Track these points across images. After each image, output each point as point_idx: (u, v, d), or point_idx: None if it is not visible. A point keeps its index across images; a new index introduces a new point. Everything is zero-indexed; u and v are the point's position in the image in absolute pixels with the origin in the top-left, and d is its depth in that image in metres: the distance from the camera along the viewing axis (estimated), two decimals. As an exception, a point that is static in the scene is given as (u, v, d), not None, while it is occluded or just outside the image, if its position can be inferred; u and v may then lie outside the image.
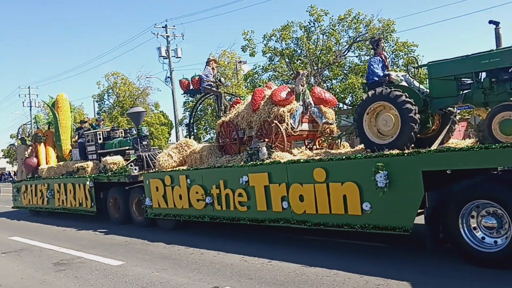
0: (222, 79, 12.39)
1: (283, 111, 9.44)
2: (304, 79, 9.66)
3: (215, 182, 9.90)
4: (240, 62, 36.77)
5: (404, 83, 8.03)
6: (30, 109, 59.92)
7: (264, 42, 29.25)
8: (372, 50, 8.45)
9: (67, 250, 10.25)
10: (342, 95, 27.93)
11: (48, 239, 11.90)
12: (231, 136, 10.64)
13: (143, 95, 44.57)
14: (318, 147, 10.08)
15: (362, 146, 9.03)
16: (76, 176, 14.93)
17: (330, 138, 9.93)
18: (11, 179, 63.62)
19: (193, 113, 13.11)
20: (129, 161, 13.59)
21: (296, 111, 9.52)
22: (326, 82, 29.33)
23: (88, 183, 13.93)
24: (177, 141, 17.40)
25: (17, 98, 63.20)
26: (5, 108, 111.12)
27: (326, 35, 28.39)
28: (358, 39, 28.24)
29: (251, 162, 9.18)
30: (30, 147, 18.43)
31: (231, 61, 36.07)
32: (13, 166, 69.01)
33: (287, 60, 28.91)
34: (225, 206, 9.71)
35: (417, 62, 7.91)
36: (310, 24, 28.64)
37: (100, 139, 15.34)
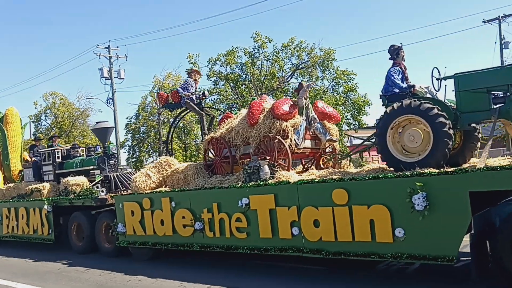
0: (206, 92, 11.18)
1: (286, 125, 8.41)
2: (308, 91, 8.69)
3: (206, 205, 8.66)
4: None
5: (428, 96, 7.27)
6: None
7: (209, 66, 29.41)
8: (391, 60, 7.62)
9: None
10: None
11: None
12: (222, 154, 9.45)
13: (83, 116, 42.48)
14: (322, 166, 9.08)
15: (371, 166, 8.19)
16: (30, 199, 13.07)
17: (339, 156, 8.98)
18: None
19: (172, 130, 11.77)
20: (94, 182, 12.00)
21: (300, 126, 8.53)
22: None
23: (45, 207, 12.15)
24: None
25: None
26: None
27: (270, 61, 28.88)
28: (300, 66, 28.86)
29: (252, 183, 8.04)
30: (-27, 167, 16.19)
31: (175, 83, 35.19)
32: None
33: (231, 84, 29.23)
34: (219, 232, 8.47)
35: (439, 73, 7.15)
36: (254, 50, 29.06)
37: (58, 157, 13.60)
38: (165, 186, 10.10)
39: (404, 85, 7.39)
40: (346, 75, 27.96)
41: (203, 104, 11.06)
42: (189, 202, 8.99)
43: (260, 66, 29.14)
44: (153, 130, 36.34)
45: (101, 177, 12.08)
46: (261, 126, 8.64)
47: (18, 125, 16.14)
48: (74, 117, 41.19)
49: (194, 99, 10.91)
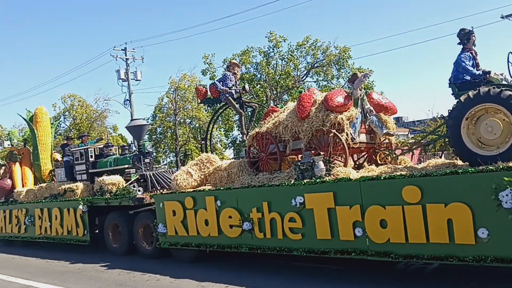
0: (247, 86, 10.56)
1: (342, 118, 7.76)
2: (365, 81, 8.01)
3: (255, 204, 8.06)
4: (200, 85, 35.53)
5: (504, 83, 6.55)
6: None
7: (224, 66, 28.87)
8: (461, 45, 6.92)
9: (15, 279, 9.65)
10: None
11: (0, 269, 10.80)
12: (268, 150, 8.84)
13: (101, 118, 42.67)
14: (379, 162, 8.40)
15: (437, 160, 7.49)
16: (64, 199, 12.63)
17: (399, 150, 8.29)
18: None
19: (210, 126, 11.20)
20: (130, 182, 11.49)
21: (356, 119, 7.87)
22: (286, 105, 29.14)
23: (80, 207, 11.68)
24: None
25: None
26: None
27: (285, 61, 28.80)
28: (315, 65, 28.64)
29: (307, 180, 7.41)
30: (3, 167, 15.85)
31: (191, 84, 35.51)
32: None
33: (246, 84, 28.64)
34: (270, 233, 7.87)
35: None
36: (269, 50, 28.91)
37: (91, 156, 13.13)
38: (207, 184, 9.55)
39: (478, 72, 6.69)
40: (362, 72, 27.61)
41: (242, 98, 10.46)
42: (236, 201, 8.40)
43: (275, 65, 29.05)
44: (170, 131, 36.14)
45: (137, 176, 11.58)
46: (313, 119, 8.00)
47: (47, 125, 15.76)
48: (92, 118, 41.51)
49: (234, 93, 10.33)
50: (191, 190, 9.32)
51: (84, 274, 9.72)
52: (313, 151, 7.86)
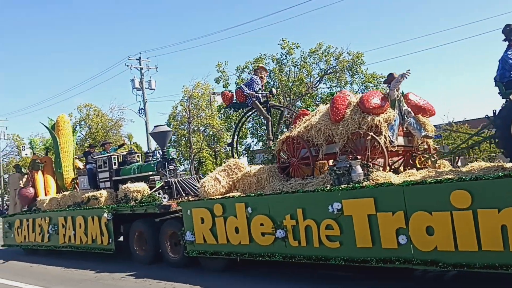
0: (274, 90, 10.25)
1: (379, 120, 7.41)
2: (402, 81, 7.64)
3: (289, 211, 7.72)
4: (214, 93, 36.02)
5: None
6: None
7: (237, 74, 29.49)
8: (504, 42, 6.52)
9: (32, 286, 9.67)
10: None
11: (17, 276, 10.85)
12: (299, 155, 8.51)
13: (116, 127, 42.96)
14: (419, 166, 8.00)
15: (479, 163, 7.09)
16: (87, 207, 12.42)
17: (440, 154, 7.88)
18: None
19: (237, 131, 10.91)
20: (155, 189, 11.23)
21: (394, 121, 7.50)
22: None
23: (105, 215, 11.44)
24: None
25: None
26: None
27: (297, 67, 28.68)
28: (329, 71, 28.41)
29: (345, 185, 7.06)
30: (26, 176, 15.72)
31: (204, 92, 35.77)
32: None
33: None
34: (305, 241, 7.52)
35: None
36: (282, 57, 28.83)
37: (115, 164, 12.92)
38: (236, 191, 9.25)
39: (526, 69, 6.29)
40: (375, 79, 27.23)
41: (269, 103, 10.16)
42: (268, 207, 8.07)
43: (288, 72, 28.98)
44: (184, 139, 36.10)
45: (162, 183, 11.32)
46: (348, 122, 7.66)
47: (69, 132, 15.62)
48: (108, 127, 41.81)
49: (260, 97, 10.04)
50: (220, 196, 9.01)
51: (101, 282, 9.68)
52: (349, 155, 7.50)
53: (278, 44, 28.81)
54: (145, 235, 11.00)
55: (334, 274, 8.13)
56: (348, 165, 7.22)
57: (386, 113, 7.52)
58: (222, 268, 9.21)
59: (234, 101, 10.31)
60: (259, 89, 10.02)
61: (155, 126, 12.19)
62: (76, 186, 15.02)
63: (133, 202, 11.07)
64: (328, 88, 29.42)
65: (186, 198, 11.06)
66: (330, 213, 7.12)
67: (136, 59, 33.94)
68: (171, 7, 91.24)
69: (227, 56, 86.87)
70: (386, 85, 7.95)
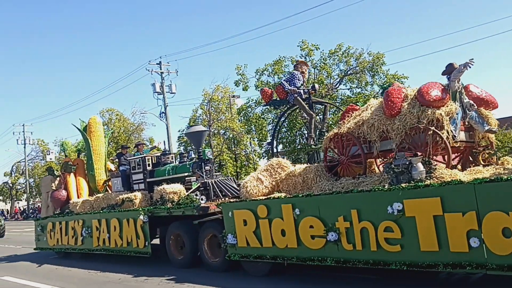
0: (316, 86, 9.71)
1: (441, 114, 6.81)
2: (465, 71, 7.02)
3: (342, 213, 7.18)
4: (233, 96, 36.54)
5: None
6: (24, 147, 57.52)
7: (256, 76, 28.94)
8: None
9: None
10: (335, 127, 26.45)
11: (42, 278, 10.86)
12: (349, 152, 7.95)
13: (138, 131, 43.08)
14: (483, 162, 7.37)
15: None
16: (122, 210, 12.06)
17: (506, 149, 7.25)
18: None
19: (277, 129, 10.40)
20: (191, 190, 10.79)
21: (457, 114, 6.90)
22: (319, 114, 28.70)
23: (141, 217, 11.04)
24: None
25: (11, 136, 60.65)
26: None
27: (317, 69, 28.12)
28: (349, 72, 27.96)
29: (406, 184, 6.48)
30: (58, 178, 15.48)
31: (224, 95, 35.64)
32: (6, 204, 65.31)
33: None
34: (361, 244, 6.96)
35: None
36: (301, 59, 27.68)
37: (149, 165, 12.54)
38: (279, 192, 8.74)
39: None
40: (396, 79, 26.69)
41: (312, 99, 9.62)
42: (317, 209, 7.54)
43: (307, 74, 28.04)
44: (204, 142, 35.92)
45: (198, 184, 10.87)
46: (406, 116, 7.07)
47: (101, 134, 15.36)
48: (130, 131, 41.98)
49: (302, 93, 9.52)
50: (264, 197, 8.52)
51: (124, 284, 9.60)
52: (407, 152, 6.92)
53: (298, 46, 28.38)
54: (182, 237, 10.55)
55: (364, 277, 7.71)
56: (407, 163, 6.64)
57: (447, 106, 6.92)
58: (267, 272, 8.70)
59: (273, 98, 9.80)
60: (301, 84, 9.50)
61: (190, 126, 11.98)
62: (108, 188, 14.74)
63: (170, 204, 10.67)
64: (348, 89, 29.02)
65: (224, 199, 10.62)
66: (389, 214, 6.56)
67: (157, 64, 34.07)
68: (190, 11, 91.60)
69: (247, 58, 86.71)
70: (445, 76, 7.31)
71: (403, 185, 6.51)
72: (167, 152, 12.98)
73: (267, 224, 8.26)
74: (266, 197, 8.53)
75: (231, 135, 36.36)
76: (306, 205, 7.68)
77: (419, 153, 6.76)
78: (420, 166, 6.57)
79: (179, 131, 37.65)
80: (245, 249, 8.71)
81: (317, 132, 9.99)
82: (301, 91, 9.48)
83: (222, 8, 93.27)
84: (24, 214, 60.96)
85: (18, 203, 69.46)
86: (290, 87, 9.38)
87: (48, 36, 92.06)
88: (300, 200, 7.78)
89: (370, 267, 6.89)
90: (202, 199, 10.51)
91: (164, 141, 15.94)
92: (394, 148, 7.16)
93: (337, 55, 28.15)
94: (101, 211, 12.78)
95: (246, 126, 31.22)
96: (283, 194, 8.35)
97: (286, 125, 29.65)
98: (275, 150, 10.29)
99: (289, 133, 30.02)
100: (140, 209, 11.28)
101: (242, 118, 31.29)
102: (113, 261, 12.44)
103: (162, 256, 11.25)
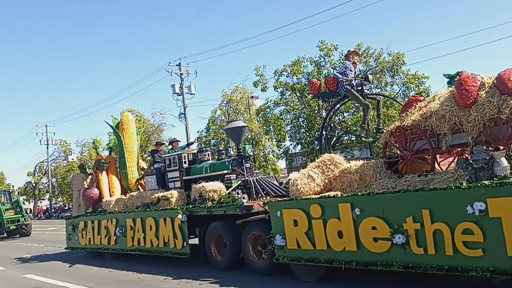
0: (370, 76, 8.99)
1: (526, 103, 6.02)
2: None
3: (411, 213, 6.45)
4: (252, 97, 36.35)
5: None
6: (47, 147, 57.71)
7: (275, 77, 28.58)
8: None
9: (73, 285, 9.84)
10: (354, 128, 26.89)
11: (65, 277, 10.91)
12: (413, 147, 7.20)
13: (158, 131, 42.94)
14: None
15: None
16: (158, 208, 11.50)
17: None
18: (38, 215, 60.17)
19: (326, 123, 9.70)
20: (232, 188, 10.16)
21: (543, 104, 6.09)
22: (338, 115, 28.34)
23: (179, 216, 10.45)
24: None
25: (35, 136, 61.32)
26: (22, 146, 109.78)
27: (336, 69, 26.78)
28: (368, 72, 26.64)
29: (489, 181, 5.72)
30: (90, 176, 15.03)
31: (243, 96, 35.47)
32: (29, 203, 65.91)
33: (298, 94, 28.29)
34: (434, 248, 6.21)
35: None
36: (320, 59, 27.93)
37: (185, 162, 11.95)
38: (333, 190, 8.03)
39: None
40: (417, 79, 26.00)
41: (364, 91, 8.91)
42: (381, 209, 6.81)
43: (326, 74, 27.84)
44: (223, 143, 35.66)
45: (239, 182, 10.24)
46: (484, 106, 6.28)
47: (133, 131, 14.85)
48: (149, 132, 41.75)
49: (354, 85, 8.81)
50: (316, 196, 7.82)
51: (144, 283, 9.59)
52: (485, 146, 6.15)
53: (317, 46, 27.91)
54: (223, 238, 9.92)
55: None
56: (488, 158, 5.88)
57: (532, 95, 6.13)
58: (320, 277, 7.99)
59: (322, 91, 9.11)
60: (354, 76, 8.79)
61: (229, 122, 11.21)
62: (140, 187, 14.23)
63: (210, 202, 10.06)
64: (368, 89, 28.42)
65: (266, 198, 9.98)
66: (469, 215, 5.81)
67: (176, 65, 33.90)
68: (209, 12, 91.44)
69: (266, 59, 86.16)
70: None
71: (486, 182, 5.74)
72: (204, 149, 12.36)
73: (322, 225, 7.58)
74: (319, 195, 7.83)
75: (249, 136, 36.07)
76: (368, 204, 6.97)
77: (501, 147, 5.99)
78: (504, 161, 5.81)
79: (198, 131, 37.54)
80: (295, 251, 8.04)
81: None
82: (354, 82, 8.78)
83: (241, 9, 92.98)
84: (47, 213, 61.39)
85: (41, 202, 70.06)
86: (343, 77, 8.69)
87: (70, 37, 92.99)
88: (361, 199, 7.07)
89: (445, 273, 6.14)
90: (244, 198, 9.88)
91: (196, 139, 15.32)
92: (469, 142, 6.39)
93: None
94: (136, 210, 12.25)
95: (264, 127, 30.94)
96: (338, 193, 7.64)
97: (305, 125, 29.27)
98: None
99: (307, 133, 29.60)
100: (178, 207, 10.70)
101: (260, 119, 31.21)
102: (147, 262, 11.94)
103: (200, 257, 10.63)
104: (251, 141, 35.72)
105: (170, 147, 13.25)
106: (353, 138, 29.62)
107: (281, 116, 29.65)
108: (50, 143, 57.33)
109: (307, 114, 27.94)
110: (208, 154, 12.31)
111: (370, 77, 8.93)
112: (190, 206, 10.50)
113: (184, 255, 10.55)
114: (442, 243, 6.13)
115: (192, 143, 14.29)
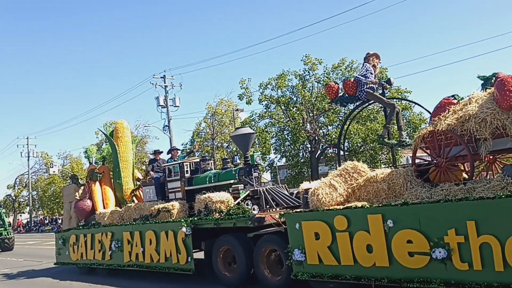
0: (392, 79, 8.42)
1: None
2: None
3: (453, 225, 5.86)
4: (237, 110, 36.10)
5: None
6: (28, 160, 56.20)
7: (260, 90, 28.71)
8: None
9: None
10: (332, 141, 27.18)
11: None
12: (448, 153, 6.62)
13: (141, 144, 42.07)
14: None
15: None
16: (159, 221, 10.70)
17: None
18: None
19: (344, 129, 9.08)
20: (240, 199, 9.45)
21: None
22: (322, 128, 28.87)
23: (184, 229, 9.68)
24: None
25: (15, 148, 59.59)
26: (2, 158, 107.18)
27: (320, 83, 27.77)
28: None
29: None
30: (83, 187, 14.11)
31: (228, 109, 35.39)
32: (8, 217, 63.95)
33: (283, 107, 28.39)
34: (480, 264, 5.61)
35: None
36: (305, 73, 28.17)
37: (187, 172, 11.20)
38: (356, 200, 7.40)
39: None
40: (400, 93, 26.05)
41: (386, 94, 8.37)
42: (417, 220, 6.21)
43: (311, 88, 28.22)
44: (208, 155, 35.29)
45: (248, 192, 9.54)
46: (530, 108, 5.76)
47: (129, 140, 14.06)
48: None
49: (375, 88, 8.26)
50: (341, 207, 7.18)
51: None
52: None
53: (301, 60, 28.14)
54: (233, 252, 9.17)
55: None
56: (541, 164, 5.32)
57: None
58: (344, 295, 7.31)
59: (341, 95, 8.53)
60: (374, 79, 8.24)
61: (237, 128, 10.50)
62: (135, 198, 13.39)
63: (217, 214, 9.33)
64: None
65: (279, 209, 9.30)
66: (524, 226, 5.22)
67: (161, 77, 33.46)
68: (195, 25, 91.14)
69: (251, 72, 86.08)
70: None
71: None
72: (206, 157, 11.63)
73: (347, 238, 6.93)
74: (344, 206, 7.19)
75: (234, 148, 35.65)
76: (402, 215, 6.36)
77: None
78: (560, 167, 5.26)
79: (182, 144, 37.04)
80: (316, 267, 7.36)
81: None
82: (374, 84, 8.22)
83: (227, 22, 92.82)
84: (27, 227, 59.42)
85: (20, 215, 67.86)
86: (366, 80, 8.13)
87: (53, 48, 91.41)
88: (394, 210, 6.45)
89: (495, 292, 5.53)
90: (254, 209, 9.18)
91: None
92: (515, 147, 5.85)
93: (340, 69, 27.99)
94: (134, 223, 11.41)
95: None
96: (365, 203, 7.00)
97: (289, 138, 28.94)
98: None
99: (292, 146, 29.25)
100: (182, 220, 9.92)
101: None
102: (146, 278, 11.09)
103: (206, 273, 9.86)
104: (236, 153, 35.23)
105: (169, 156, 12.46)
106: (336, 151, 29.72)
107: (266, 129, 29.59)
108: (31, 155, 55.82)
109: (292, 127, 27.97)
110: (212, 163, 11.57)
111: (392, 79, 8.35)
112: (195, 218, 9.74)
113: (189, 271, 9.75)
114: (490, 257, 5.54)
115: (192, 151, 13.49)
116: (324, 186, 7.53)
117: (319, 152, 28.87)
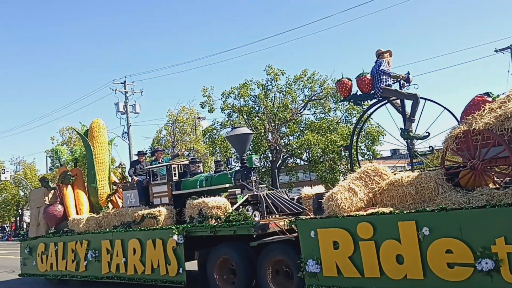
0: (411, 77, 7.75)
1: None
2: None
3: (501, 233, 5.26)
4: (199, 118, 35.74)
5: None
6: None
7: (222, 99, 28.56)
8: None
9: None
10: (299, 151, 27.40)
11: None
12: (484, 155, 6.02)
13: None
14: None
15: None
16: (144, 228, 9.62)
17: None
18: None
19: (357, 129, 8.36)
20: (238, 204, 8.56)
21: None
22: (284, 138, 28.82)
23: (175, 237, 8.67)
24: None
25: None
26: None
27: (283, 93, 28.08)
28: (313, 98, 28.04)
29: None
30: (53, 191, 12.75)
31: (189, 117, 34.83)
32: None
33: (245, 116, 28.18)
34: (537, 276, 4.98)
35: None
36: (267, 83, 28.24)
37: (175, 175, 10.18)
38: (377, 205, 6.69)
39: None
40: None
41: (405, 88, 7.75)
42: (458, 228, 5.54)
43: (273, 98, 28.35)
44: (197, 158, 34.42)
45: (246, 197, 8.66)
46: None
47: (105, 140, 12.86)
48: None
49: (391, 84, 7.62)
50: (365, 213, 6.43)
51: None
52: None
53: (264, 70, 28.10)
54: (232, 263, 8.25)
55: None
56: None
57: None
58: (367, 310, 6.54)
59: (354, 93, 7.83)
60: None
61: (233, 128, 9.62)
62: (111, 203, 12.21)
63: (213, 221, 8.39)
64: (312, 114, 29.16)
65: (277, 215, 8.49)
66: None
67: (121, 83, 32.30)
68: (157, 32, 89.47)
69: (213, 81, 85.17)
70: None
71: None
72: (197, 159, 10.64)
73: (373, 247, 6.19)
74: (366, 212, 6.45)
75: (196, 157, 34.86)
76: (440, 222, 5.68)
77: None
78: None
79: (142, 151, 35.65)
80: (334, 279, 6.58)
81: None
82: (390, 82, 7.59)
83: (189, 30, 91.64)
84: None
85: (-32, 224, 63.54)
86: (392, 74, 7.52)
87: (11, 52, 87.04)
88: (430, 216, 5.76)
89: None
90: (255, 215, 8.31)
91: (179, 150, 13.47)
92: None
93: (302, 81, 28.11)
94: (114, 230, 10.25)
95: (211, 148, 30.44)
96: (393, 209, 6.29)
97: (251, 148, 28.50)
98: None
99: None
100: (174, 227, 8.90)
101: (207, 140, 30.73)
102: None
103: (199, 286, 8.87)
104: (199, 159, 34.44)
105: (153, 158, 11.39)
106: (297, 161, 29.52)
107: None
108: (-18, 159, 52.23)
109: (254, 136, 27.30)
110: (201, 166, 10.60)
111: (411, 77, 7.71)
112: (188, 225, 8.74)
113: (180, 284, 8.73)
114: (546, 269, 4.92)
115: (177, 154, 12.46)
116: (343, 190, 6.78)
117: (280, 161, 28.61)
